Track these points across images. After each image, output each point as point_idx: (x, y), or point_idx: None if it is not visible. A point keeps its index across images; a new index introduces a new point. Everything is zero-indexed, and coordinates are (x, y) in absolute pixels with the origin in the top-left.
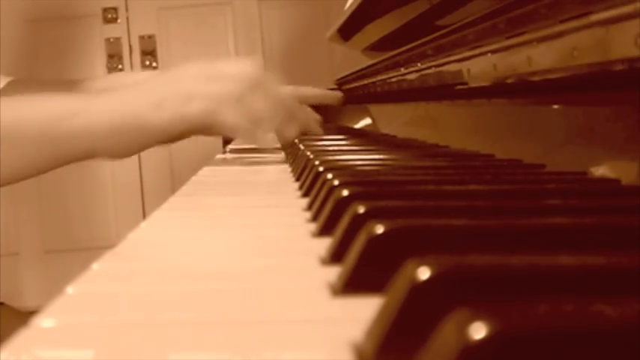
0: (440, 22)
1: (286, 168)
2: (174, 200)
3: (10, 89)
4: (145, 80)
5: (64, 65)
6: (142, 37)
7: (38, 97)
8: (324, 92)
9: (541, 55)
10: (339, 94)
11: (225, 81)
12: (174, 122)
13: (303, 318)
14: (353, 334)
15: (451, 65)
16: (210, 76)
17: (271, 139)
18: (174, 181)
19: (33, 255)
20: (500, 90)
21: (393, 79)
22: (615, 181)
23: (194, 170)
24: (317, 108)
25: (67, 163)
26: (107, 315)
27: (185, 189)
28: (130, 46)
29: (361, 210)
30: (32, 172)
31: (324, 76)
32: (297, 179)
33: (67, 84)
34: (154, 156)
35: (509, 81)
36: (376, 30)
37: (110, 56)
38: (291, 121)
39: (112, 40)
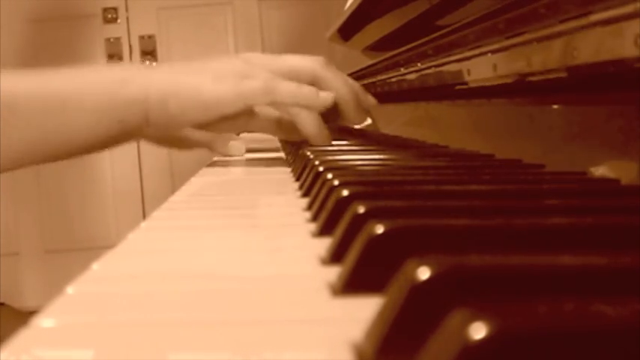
0: (440, 22)
1: (286, 168)
2: (174, 200)
3: None
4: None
5: (64, 65)
6: (142, 37)
7: (92, 68)
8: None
9: (541, 55)
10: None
11: (296, 60)
12: (231, 95)
13: (303, 318)
14: (353, 334)
15: (451, 65)
16: (264, 62)
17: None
18: (174, 181)
19: (33, 255)
20: (500, 90)
21: (393, 79)
22: (615, 181)
23: (194, 170)
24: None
25: (122, 135)
26: (107, 315)
27: (185, 189)
28: (130, 46)
29: (361, 210)
30: (93, 143)
31: None
32: (297, 179)
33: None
34: (154, 156)
35: (509, 81)
36: (376, 30)
37: (110, 56)
38: (360, 109)
39: (112, 40)
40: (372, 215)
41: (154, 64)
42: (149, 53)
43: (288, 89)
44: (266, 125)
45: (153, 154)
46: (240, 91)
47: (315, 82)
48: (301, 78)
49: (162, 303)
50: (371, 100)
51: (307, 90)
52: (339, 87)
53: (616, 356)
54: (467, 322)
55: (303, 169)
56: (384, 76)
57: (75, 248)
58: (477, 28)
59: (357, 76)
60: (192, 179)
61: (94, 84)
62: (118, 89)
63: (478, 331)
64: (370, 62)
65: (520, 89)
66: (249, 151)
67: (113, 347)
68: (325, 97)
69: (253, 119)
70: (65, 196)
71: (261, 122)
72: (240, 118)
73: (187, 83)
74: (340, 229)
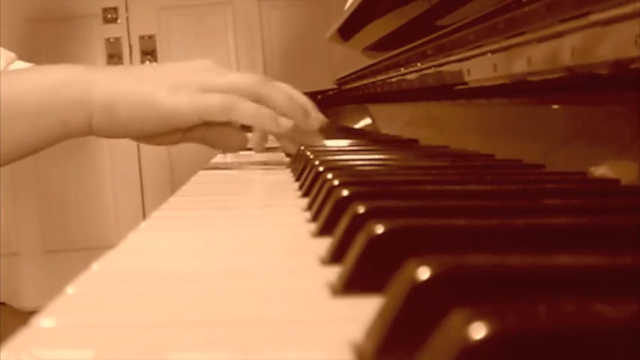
0: (440, 22)
1: (286, 168)
2: (174, 200)
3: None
4: (150, 67)
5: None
6: (142, 37)
7: (34, 70)
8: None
9: (541, 55)
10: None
11: (236, 76)
12: (187, 109)
13: (303, 318)
14: (353, 334)
15: (451, 65)
16: (221, 71)
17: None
18: (174, 181)
19: (33, 255)
20: (500, 90)
21: (393, 79)
22: (615, 181)
23: (194, 170)
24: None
25: (65, 137)
26: (107, 315)
27: (185, 189)
28: (130, 46)
29: (361, 210)
30: (33, 145)
31: (324, 76)
32: (297, 179)
33: None
34: (154, 156)
35: (509, 81)
36: (376, 30)
37: (110, 56)
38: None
39: (112, 40)
40: (372, 215)
41: (148, 63)
42: (149, 53)
43: (249, 110)
44: (220, 139)
45: (153, 153)
46: (197, 106)
47: (255, 100)
48: (243, 94)
49: (162, 303)
50: (320, 117)
51: (267, 113)
52: (281, 105)
53: (616, 356)
54: (467, 322)
55: (303, 169)
56: (384, 76)
57: (75, 248)
58: (477, 28)
59: (357, 76)
60: (192, 179)
61: (35, 87)
62: (59, 90)
63: (478, 331)
64: (370, 62)
65: (520, 89)
66: (248, 150)
67: (113, 347)
68: (285, 125)
69: (209, 131)
70: (65, 196)
71: (217, 135)
72: (196, 131)
73: (141, 91)
74: (340, 229)
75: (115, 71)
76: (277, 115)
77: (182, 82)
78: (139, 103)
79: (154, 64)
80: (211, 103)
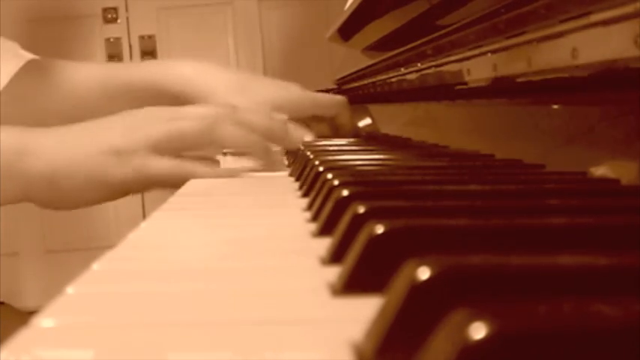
0: (440, 22)
1: (286, 168)
2: (174, 200)
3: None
4: (104, 121)
5: None
6: (142, 37)
7: None
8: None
9: (541, 55)
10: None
11: (190, 119)
12: (135, 178)
13: (303, 318)
14: (353, 334)
15: (451, 65)
16: (173, 115)
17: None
18: None
19: (33, 255)
20: (500, 90)
21: (393, 79)
22: (615, 181)
23: None
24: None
25: (2, 204)
26: (107, 315)
27: (185, 189)
28: (130, 46)
29: (361, 210)
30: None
31: (324, 76)
32: (297, 179)
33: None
34: None
35: (509, 81)
36: (376, 30)
37: (110, 56)
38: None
39: (112, 40)
40: (372, 215)
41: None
42: (149, 53)
43: (202, 174)
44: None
45: None
46: (147, 173)
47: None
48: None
49: (162, 303)
50: (299, 134)
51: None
52: (234, 143)
53: (616, 356)
54: (467, 322)
55: (303, 169)
56: (384, 76)
57: (75, 248)
58: (477, 28)
59: (357, 76)
60: (192, 179)
61: None
62: (15, 162)
63: (478, 331)
64: (370, 62)
65: (520, 89)
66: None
67: (113, 347)
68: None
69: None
70: None
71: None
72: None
73: (90, 164)
74: (340, 229)
75: (56, 135)
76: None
77: (129, 144)
78: (80, 174)
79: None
80: (163, 169)
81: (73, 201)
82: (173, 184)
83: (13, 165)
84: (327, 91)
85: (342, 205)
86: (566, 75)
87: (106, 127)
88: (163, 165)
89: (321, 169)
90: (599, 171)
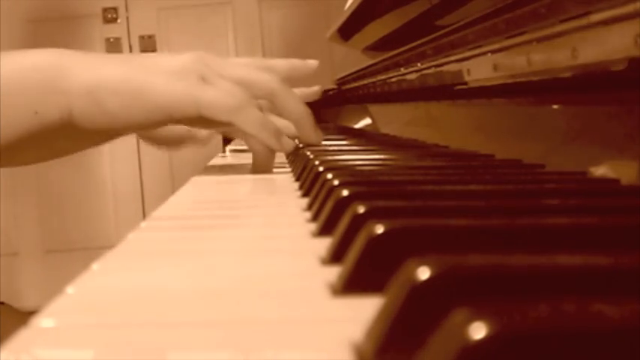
0: (440, 22)
1: (286, 168)
2: (174, 200)
3: None
4: (141, 55)
5: None
6: (142, 37)
7: (10, 53)
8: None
9: (541, 55)
10: (317, 89)
11: (253, 72)
12: (186, 98)
13: (303, 318)
14: (353, 334)
15: (451, 65)
16: (229, 62)
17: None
18: (175, 181)
19: (33, 255)
20: (500, 90)
21: (393, 79)
22: (615, 181)
23: (194, 169)
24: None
25: (39, 128)
26: (107, 315)
27: (185, 189)
28: (130, 46)
29: (361, 210)
30: (5, 137)
31: (324, 76)
32: (297, 179)
33: None
34: (154, 156)
35: (509, 81)
36: (376, 30)
37: None
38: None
39: (112, 40)
40: (372, 215)
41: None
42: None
43: (254, 119)
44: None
45: (153, 154)
46: (197, 97)
47: (271, 100)
48: (256, 93)
49: (162, 303)
50: (290, 143)
51: (273, 128)
52: (295, 116)
53: (616, 356)
54: (467, 322)
55: (303, 169)
56: (384, 76)
57: (75, 248)
58: (477, 28)
59: (357, 76)
60: (192, 179)
61: (2, 74)
62: (29, 77)
63: (478, 331)
64: (370, 62)
65: (520, 89)
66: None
67: (113, 347)
68: (286, 146)
69: (209, 125)
70: (65, 196)
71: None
72: (195, 124)
73: (136, 80)
74: (340, 229)
75: (97, 56)
76: (282, 132)
77: (182, 68)
78: (127, 89)
79: (150, 53)
80: (214, 98)
81: (121, 120)
82: (223, 116)
83: (53, 80)
84: (327, 91)
85: (342, 205)
86: (566, 75)
87: (159, 55)
88: (218, 92)
89: (321, 169)
90: (599, 171)
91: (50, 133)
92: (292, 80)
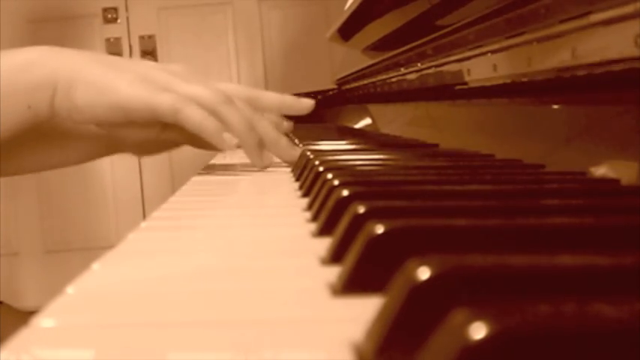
0: (440, 22)
1: (286, 168)
2: (174, 200)
3: None
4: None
5: None
6: (142, 37)
7: (4, 51)
8: (290, 101)
9: (541, 55)
10: (310, 102)
11: (200, 89)
12: (141, 103)
13: (303, 318)
14: (353, 334)
15: (451, 65)
16: (194, 79)
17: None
18: (175, 181)
19: (33, 255)
20: (500, 90)
21: (393, 79)
22: (615, 181)
23: (194, 169)
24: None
25: (31, 121)
26: (107, 315)
27: (185, 189)
28: (130, 46)
29: (361, 210)
30: (5, 133)
31: (324, 76)
32: (297, 179)
33: None
34: (154, 156)
35: (509, 81)
36: (376, 30)
37: None
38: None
39: (112, 40)
40: (372, 215)
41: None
42: (149, 53)
43: (194, 117)
44: (180, 137)
45: None
46: (150, 102)
47: (213, 116)
48: (203, 106)
49: (162, 303)
50: (269, 158)
51: (212, 125)
52: (236, 129)
53: (616, 356)
54: (467, 322)
55: (303, 169)
56: (384, 76)
57: (75, 248)
58: (477, 28)
59: (357, 76)
60: (192, 179)
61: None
62: (23, 73)
63: (478, 331)
64: (370, 62)
65: (520, 89)
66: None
67: (113, 347)
68: (228, 142)
69: (166, 131)
70: (65, 196)
71: (175, 134)
72: (153, 128)
73: (101, 76)
74: (340, 229)
75: (81, 54)
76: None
77: (147, 77)
78: (96, 88)
79: (133, 58)
80: (163, 102)
81: (83, 113)
82: (170, 117)
83: (41, 75)
84: (327, 91)
85: (342, 205)
86: (566, 75)
87: (136, 62)
88: (167, 97)
89: (321, 169)
90: (599, 171)
91: (42, 133)
92: (282, 113)
